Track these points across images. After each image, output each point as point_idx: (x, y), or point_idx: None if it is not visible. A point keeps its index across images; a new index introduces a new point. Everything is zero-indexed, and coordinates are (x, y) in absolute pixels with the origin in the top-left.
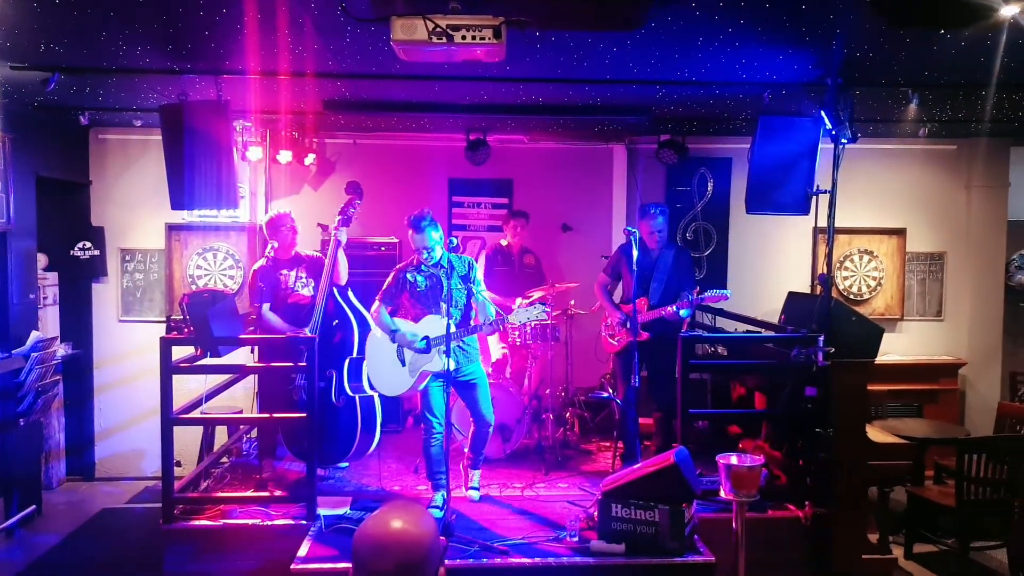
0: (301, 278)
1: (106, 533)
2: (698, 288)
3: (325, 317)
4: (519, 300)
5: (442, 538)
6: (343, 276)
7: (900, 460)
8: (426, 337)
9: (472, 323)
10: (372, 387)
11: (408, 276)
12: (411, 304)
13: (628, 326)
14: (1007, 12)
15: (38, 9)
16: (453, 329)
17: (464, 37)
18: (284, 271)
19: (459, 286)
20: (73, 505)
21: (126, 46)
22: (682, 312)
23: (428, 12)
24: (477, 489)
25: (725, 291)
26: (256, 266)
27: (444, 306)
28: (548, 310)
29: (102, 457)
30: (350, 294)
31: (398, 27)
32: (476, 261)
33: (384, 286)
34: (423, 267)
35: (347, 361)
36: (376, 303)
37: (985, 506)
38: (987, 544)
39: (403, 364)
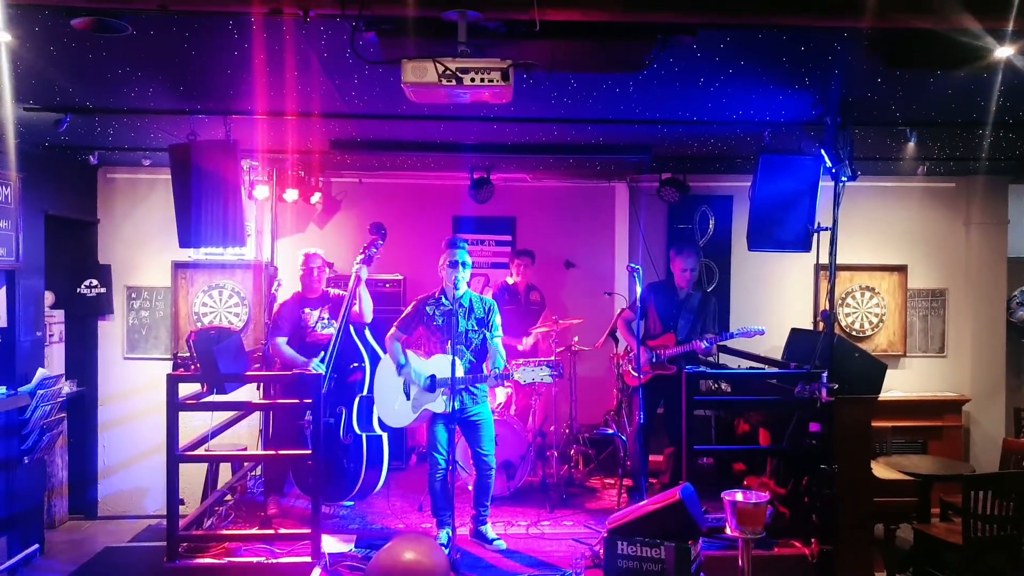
0: (324, 319)
1: (109, 572)
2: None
3: (341, 354)
4: (525, 340)
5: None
6: (367, 314)
7: (905, 497)
8: (432, 376)
9: (484, 372)
10: (382, 424)
11: (427, 308)
12: (426, 338)
13: (654, 362)
14: (1001, 53)
15: (53, 52)
16: (461, 373)
17: (473, 79)
18: (308, 309)
19: (474, 328)
20: (75, 544)
21: (137, 88)
22: (707, 345)
23: (438, 55)
24: (498, 539)
25: (759, 327)
26: (282, 299)
27: (459, 347)
28: (553, 374)
29: (105, 495)
30: (367, 332)
31: (409, 70)
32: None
33: (403, 314)
34: (443, 301)
35: (357, 399)
36: (392, 329)
37: (992, 543)
38: None
39: (408, 398)
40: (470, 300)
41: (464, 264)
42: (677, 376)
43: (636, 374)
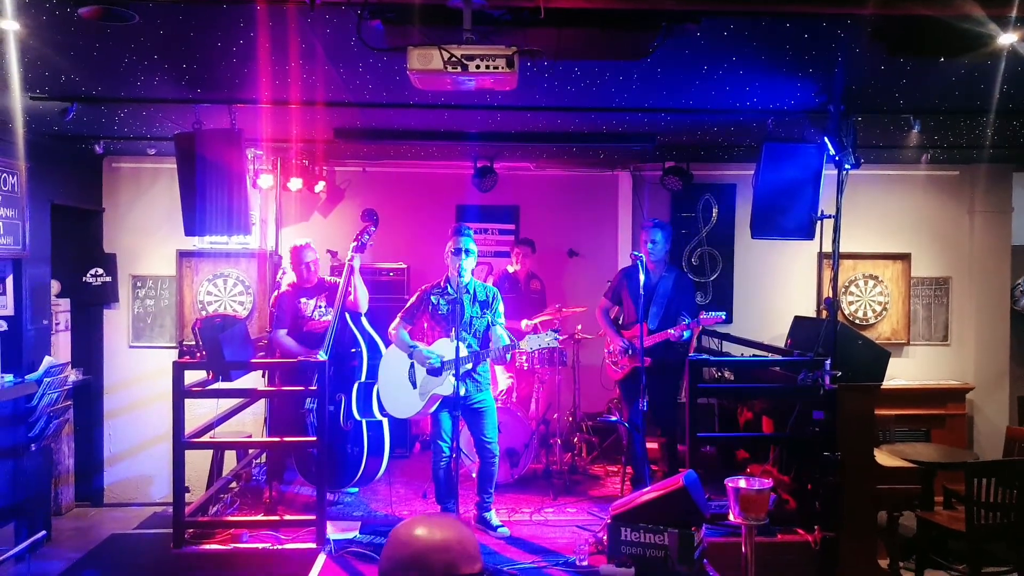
0: (320, 307)
1: (115, 559)
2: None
3: (339, 342)
4: (524, 322)
5: None
6: (363, 303)
7: (909, 484)
8: (439, 357)
9: (489, 348)
10: (383, 411)
11: (432, 298)
12: (430, 327)
13: (631, 353)
14: (1005, 40)
15: (60, 41)
16: (465, 353)
17: (478, 66)
18: (304, 299)
19: (479, 314)
20: (82, 531)
21: (143, 77)
22: (685, 334)
23: (443, 42)
24: (501, 525)
25: (720, 313)
26: (278, 292)
27: (462, 331)
28: (560, 336)
29: (111, 482)
30: (363, 320)
31: (415, 57)
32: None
33: (407, 304)
34: (448, 290)
35: (355, 386)
36: (396, 320)
37: (995, 531)
38: (998, 570)
39: (414, 387)
40: (474, 287)
41: (468, 251)
42: (654, 368)
43: (616, 368)
